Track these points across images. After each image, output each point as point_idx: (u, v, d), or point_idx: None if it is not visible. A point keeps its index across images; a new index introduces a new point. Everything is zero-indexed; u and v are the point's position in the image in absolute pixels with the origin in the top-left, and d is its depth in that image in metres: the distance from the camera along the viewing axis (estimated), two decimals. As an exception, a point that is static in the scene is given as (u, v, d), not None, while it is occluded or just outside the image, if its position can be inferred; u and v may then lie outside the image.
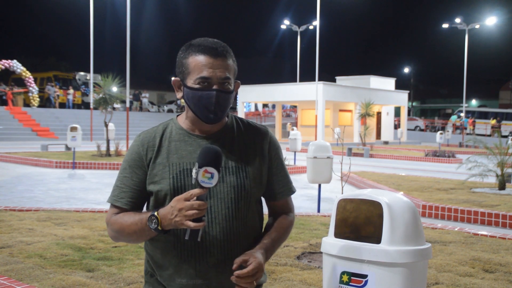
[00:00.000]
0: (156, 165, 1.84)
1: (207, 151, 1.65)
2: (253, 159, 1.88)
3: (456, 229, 6.47)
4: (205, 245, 1.79)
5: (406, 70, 73.33)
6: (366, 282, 1.76)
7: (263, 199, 2.01)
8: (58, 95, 36.53)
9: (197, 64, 1.79)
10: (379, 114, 38.78)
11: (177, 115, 1.97)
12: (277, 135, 37.62)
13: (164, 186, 1.81)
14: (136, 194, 1.86)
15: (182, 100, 1.89)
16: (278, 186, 1.96)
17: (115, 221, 1.84)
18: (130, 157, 1.88)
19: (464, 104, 43.00)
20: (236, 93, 1.97)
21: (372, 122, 35.64)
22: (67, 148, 18.54)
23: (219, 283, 1.81)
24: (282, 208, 2.00)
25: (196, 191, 1.62)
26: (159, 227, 1.69)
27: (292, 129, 24.47)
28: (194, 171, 1.63)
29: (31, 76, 34.44)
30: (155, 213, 1.69)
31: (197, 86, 1.79)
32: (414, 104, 73.18)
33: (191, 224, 1.61)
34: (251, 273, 1.69)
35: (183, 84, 1.84)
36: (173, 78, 1.90)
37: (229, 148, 1.86)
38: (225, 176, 1.82)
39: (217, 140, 1.85)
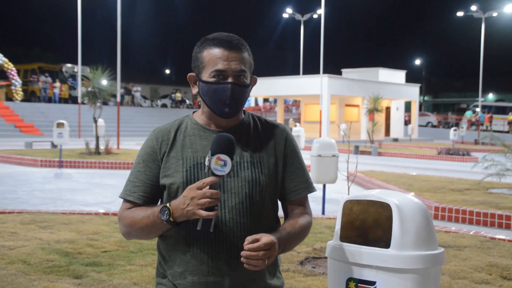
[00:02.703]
0: (170, 159, 1.94)
1: (220, 139, 1.75)
2: (268, 156, 1.97)
3: (471, 233, 6.47)
4: (218, 241, 1.86)
5: (418, 62, 73.29)
6: (374, 289, 1.76)
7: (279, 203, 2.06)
8: (45, 89, 36.53)
9: (212, 57, 1.89)
10: (388, 109, 38.77)
11: (194, 112, 2.07)
12: (279, 131, 37.57)
13: (177, 179, 1.90)
14: (149, 189, 1.95)
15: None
16: (292, 184, 2.00)
17: (126, 216, 1.92)
18: (144, 152, 1.99)
19: (480, 99, 43.01)
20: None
21: (380, 117, 35.60)
22: (53, 145, 18.56)
23: (232, 280, 1.87)
24: (296, 209, 2.02)
25: (209, 179, 1.71)
26: (171, 218, 1.77)
27: (295, 126, 24.49)
28: (207, 159, 1.72)
29: (14, 68, 34.41)
30: (167, 205, 1.78)
31: (212, 79, 1.89)
32: (426, 98, 73.21)
33: (203, 213, 1.69)
34: (262, 248, 1.72)
35: (198, 78, 1.95)
36: (189, 74, 2.00)
37: (244, 143, 1.96)
38: (240, 171, 1.91)
39: (233, 135, 1.91)
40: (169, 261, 1.94)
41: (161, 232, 1.89)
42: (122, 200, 2.00)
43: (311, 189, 2.04)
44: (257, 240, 1.74)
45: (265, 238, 1.74)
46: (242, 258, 1.73)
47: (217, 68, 1.87)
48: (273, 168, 1.96)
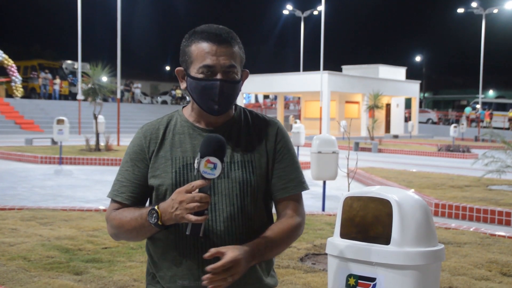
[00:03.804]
0: (158, 158, 1.87)
1: (209, 140, 1.66)
2: (260, 154, 1.89)
3: (471, 229, 6.47)
4: (209, 244, 1.79)
5: (418, 58, 73.25)
6: (374, 285, 1.75)
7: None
8: (45, 86, 36.50)
9: (200, 52, 1.81)
10: (388, 106, 38.74)
11: (183, 107, 1.99)
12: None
13: (165, 180, 1.83)
14: (137, 189, 1.88)
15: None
16: (280, 181, 1.91)
17: (114, 217, 1.86)
18: (132, 150, 1.92)
19: (480, 95, 42.97)
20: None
21: (380, 114, 35.62)
22: (54, 142, 18.55)
23: None
24: (286, 209, 1.92)
25: (198, 182, 1.63)
26: (159, 222, 1.71)
27: (295, 122, 24.46)
28: (196, 161, 1.64)
29: (14, 65, 34.38)
30: (156, 207, 1.72)
31: (200, 75, 1.81)
32: (426, 95, 73.14)
33: (192, 217, 1.62)
34: (225, 266, 1.64)
35: (186, 73, 1.86)
36: (176, 68, 1.92)
37: (235, 141, 1.88)
38: (230, 171, 1.84)
39: (223, 134, 1.85)
40: (158, 264, 1.88)
41: (150, 234, 1.83)
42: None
43: (302, 187, 1.94)
44: (221, 254, 1.66)
45: (230, 254, 1.66)
46: (204, 282, 1.64)
47: (205, 63, 1.79)
48: (264, 166, 1.89)
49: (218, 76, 1.80)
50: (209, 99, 1.82)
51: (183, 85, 1.91)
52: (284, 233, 1.85)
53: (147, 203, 1.93)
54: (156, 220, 1.71)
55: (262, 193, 1.89)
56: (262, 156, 1.89)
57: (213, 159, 1.63)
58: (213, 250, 1.66)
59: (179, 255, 1.83)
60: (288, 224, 1.87)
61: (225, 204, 1.82)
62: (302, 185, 1.94)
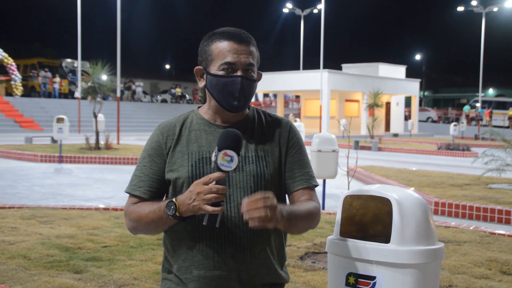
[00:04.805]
0: (175, 153, 1.95)
1: (227, 134, 1.75)
2: (273, 150, 1.98)
3: (471, 228, 6.47)
4: (224, 235, 1.88)
5: (418, 57, 73.23)
6: (374, 284, 1.76)
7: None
8: (45, 84, 36.45)
9: (221, 50, 1.90)
10: (388, 104, 38.74)
11: (198, 107, 2.08)
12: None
13: (182, 173, 1.91)
14: (155, 183, 1.96)
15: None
16: (295, 174, 2.00)
17: (132, 210, 1.93)
18: (149, 146, 2.00)
19: (480, 94, 42.96)
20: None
21: (380, 113, 35.60)
22: (53, 140, 18.55)
23: (237, 274, 1.89)
24: (302, 197, 1.99)
25: (215, 174, 1.71)
26: (177, 213, 1.78)
27: (295, 121, 24.47)
28: (213, 154, 1.73)
29: (13, 63, 34.34)
30: (173, 200, 1.79)
31: (221, 72, 1.89)
32: (426, 93, 73.12)
33: (209, 208, 1.70)
34: (260, 198, 1.66)
35: (206, 72, 1.95)
36: (195, 67, 2.00)
37: (249, 137, 1.97)
38: (245, 165, 1.92)
39: (238, 130, 1.92)
40: (174, 256, 1.95)
41: (167, 226, 1.90)
42: (124, 195, 2.01)
43: (312, 181, 2.02)
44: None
45: (264, 192, 1.70)
46: (244, 216, 1.67)
47: (227, 60, 1.88)
48: (277, 161, 1.97)
49: (239, 73, 1.89)
50: (229, 95, 1.90)
51: (201, 83, 2.00)
52: (305, 209, 1.90)
53: (164, 199, 2.00)
54: (174, 212, 1.78)
55: (275, 186, 1.96)
56: (274, 151, 1.98)
57: (230, 152, 1.72)
58: (246, 199, 1.68)
59: (195, 246, 1.90)
60: (308, 204, 1.94)
61: (240, 196, 1.89)
62: (312, 180, 2.02)
